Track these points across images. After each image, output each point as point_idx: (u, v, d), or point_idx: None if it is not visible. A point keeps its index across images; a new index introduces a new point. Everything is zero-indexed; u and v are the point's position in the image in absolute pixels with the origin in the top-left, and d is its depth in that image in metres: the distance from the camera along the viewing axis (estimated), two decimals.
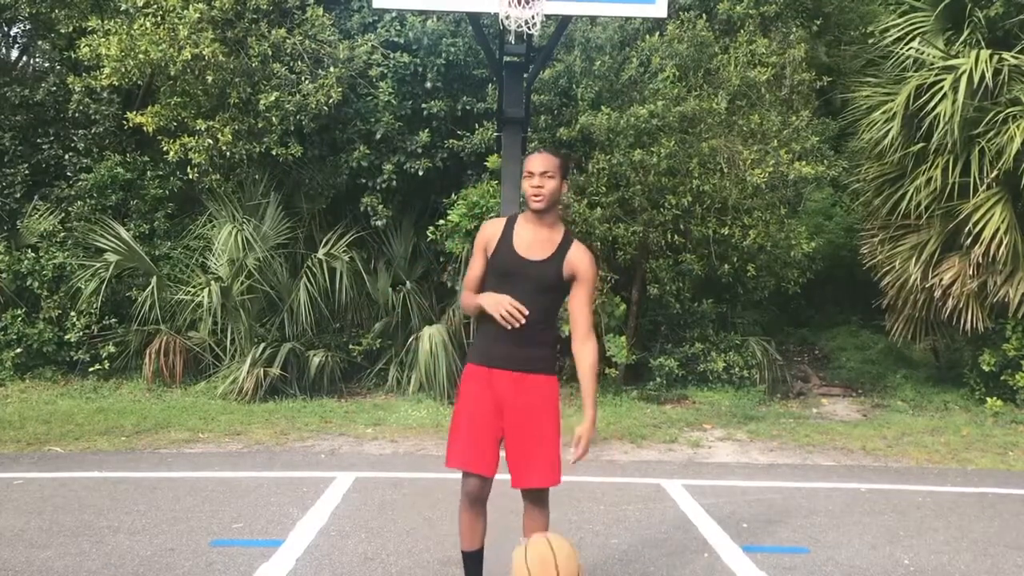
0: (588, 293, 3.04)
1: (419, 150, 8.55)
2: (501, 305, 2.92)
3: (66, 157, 8.89)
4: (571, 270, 3.01)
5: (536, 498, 3.06)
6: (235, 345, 8.25)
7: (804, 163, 8.01)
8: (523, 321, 2.92)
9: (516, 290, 2.96)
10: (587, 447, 2.99)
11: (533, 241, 3.02)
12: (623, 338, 7.96)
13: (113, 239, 8.49)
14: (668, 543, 4.27)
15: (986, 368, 8.10)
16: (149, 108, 8.07)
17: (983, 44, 8.05)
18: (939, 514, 4.93)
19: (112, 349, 8.43)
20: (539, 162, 2.98)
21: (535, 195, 2.96)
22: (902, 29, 8.57)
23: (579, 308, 3.04)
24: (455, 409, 3.11)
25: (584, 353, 3.05)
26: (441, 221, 8.13)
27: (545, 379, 3.06)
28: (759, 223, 8.22)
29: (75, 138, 8.88)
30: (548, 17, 5.63)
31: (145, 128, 8.02)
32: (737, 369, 8.48)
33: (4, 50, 10.18)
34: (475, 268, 3.13)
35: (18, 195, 8.89)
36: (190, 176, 8.21)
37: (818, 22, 10.04)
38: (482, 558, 3.15)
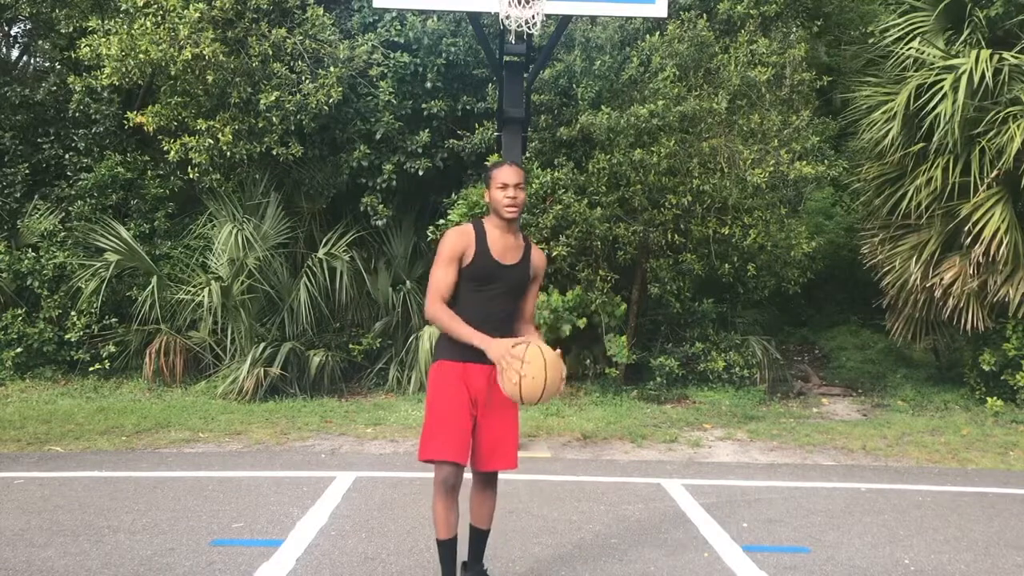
0: (538, 287, 3.47)
1: (419, 150, 8.55)
2: (503, 357, 2.99)
3: (66, 157, 8.90)
4: (534, 270, 3.39)
5: (491, 480, 3.38)
6: (235, 345, 8.25)
7: (804, 163, 8.01)
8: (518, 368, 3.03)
9: (494, 293, 3.24)
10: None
11: (506, 248, 3.28)
12: (623, 338, 7.96)
13: (113, 239, 8.50)
14: (668, 543, 4.26)
15: (986, 368, 8.10)
16: (149, 108, 8.08)
17: (983, 44, 8.04)
18: (939, 514, 4.93)
19: (112, 349, 8.44)
20: (513, 174, 3.24)
21: (511, 206, 3.22)
22: (902, 29, 8.58)
23: (531, 299, 3.44)
24: (431, 404, 3.25)
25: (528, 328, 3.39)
26: (441, 221, 8.13)
27: None
28: (759, 223, 8.22)
29: (75, 138, 8.89)
30: (548, 17, 5.64)
31: (145, 128, 8.03)
32: (737, 369, 8.48)
33: (4, 50, 10.19)
34: (449, 276, 3.24)
35: (18, 195, 8.91)
36: (190, 176, 8.22)
37: (818, 22, 10.03)
38: (456, 546, 3.31)
